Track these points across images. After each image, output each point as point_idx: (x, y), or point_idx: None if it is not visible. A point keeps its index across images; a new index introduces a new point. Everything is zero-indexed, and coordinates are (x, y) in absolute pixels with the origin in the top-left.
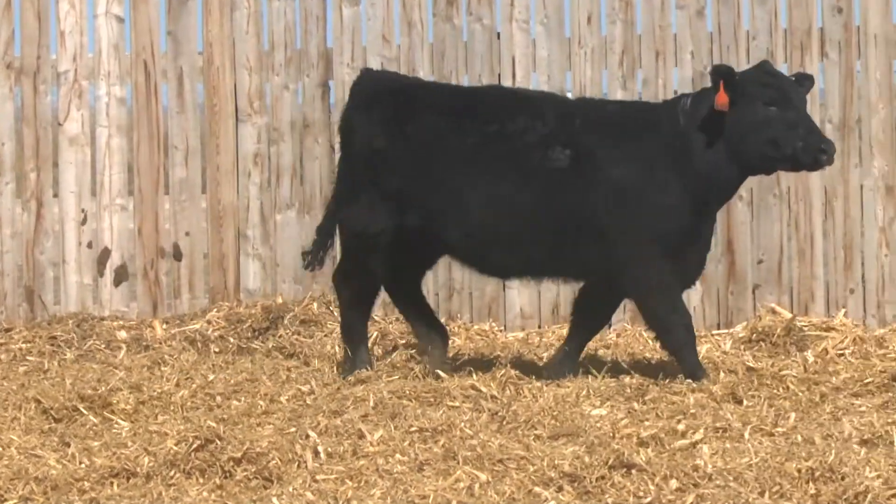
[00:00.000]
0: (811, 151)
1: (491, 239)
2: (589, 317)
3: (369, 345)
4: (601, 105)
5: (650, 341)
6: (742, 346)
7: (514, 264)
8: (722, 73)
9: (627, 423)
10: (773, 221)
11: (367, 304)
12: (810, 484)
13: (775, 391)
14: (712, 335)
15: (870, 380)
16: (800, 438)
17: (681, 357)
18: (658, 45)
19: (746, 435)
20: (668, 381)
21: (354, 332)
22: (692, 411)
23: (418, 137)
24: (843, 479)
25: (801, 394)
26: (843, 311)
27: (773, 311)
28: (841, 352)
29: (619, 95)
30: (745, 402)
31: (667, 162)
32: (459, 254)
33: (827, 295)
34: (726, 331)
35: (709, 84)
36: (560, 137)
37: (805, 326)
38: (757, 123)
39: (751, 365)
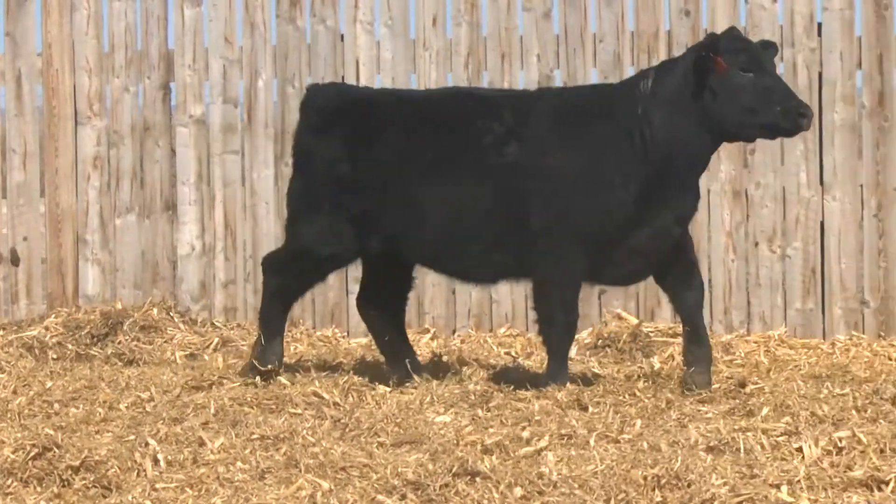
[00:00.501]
0: (791, 116)
1: (460, 250)
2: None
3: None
4: (558, 93)
5: (494, 347)
6: (588, 353)
7: (491, 271)
8: (707, 47)
9: (472, 431)
10: None
11: (292, 300)
12: (656, 491)
13: (621, 398)
14: None
15: (716, 386)
16: (646, 445)
17: (551, 354)
18: (504, 48)
19: (592, 442)
20: (512, 387)
21: (272, 322)
22: (537, 418)
23: (380, 155)
24: (689, 486)
25: (646, 400)
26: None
27: (619, 317)
28: None
29: None
30: (590, 409)
31: (614, 151)
32: (437, 267)
33: None
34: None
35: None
36: (515, 133)
37: (651, 332)
38: (735, 90)
39: (597, 371)
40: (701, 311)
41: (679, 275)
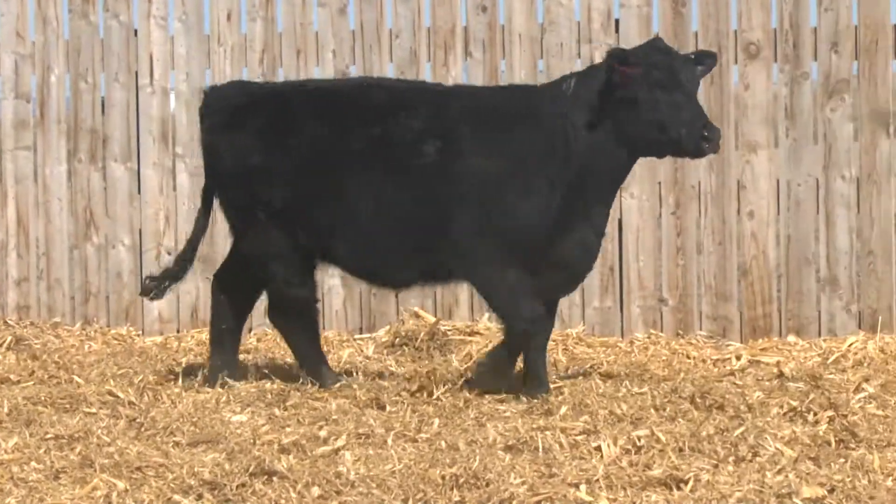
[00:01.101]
0: (694, 138)
1: (375, 249)
2: None
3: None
4: (475, 92)
5: None
6: (385, 351)
7: (403, 273)
8: (617, 58)
9: (268, 430)
10: None
11: (245, 313)
12: (454, 490)
13: (418, 396)
14: (355, 339)
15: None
16: (444, 444)
17: (526, 360)
18: (299, 44)
19: (390, 441)
20: (309, 386)
21: (225, 338)
22: (334, 417)
23: (295, 149)
24: (487, 485)
25: (444, 399)
26: (486, 315)
27: (417, 315)
28: None
29: None
30: (388, 408)
31: (538, 153)
32: (349, 268)
33: (471, 299)
34: (369, 335)
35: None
36: (431, 130)
37: (449, 331)
38: (641, 106)
39: (394, 370)
40: (545, 351)
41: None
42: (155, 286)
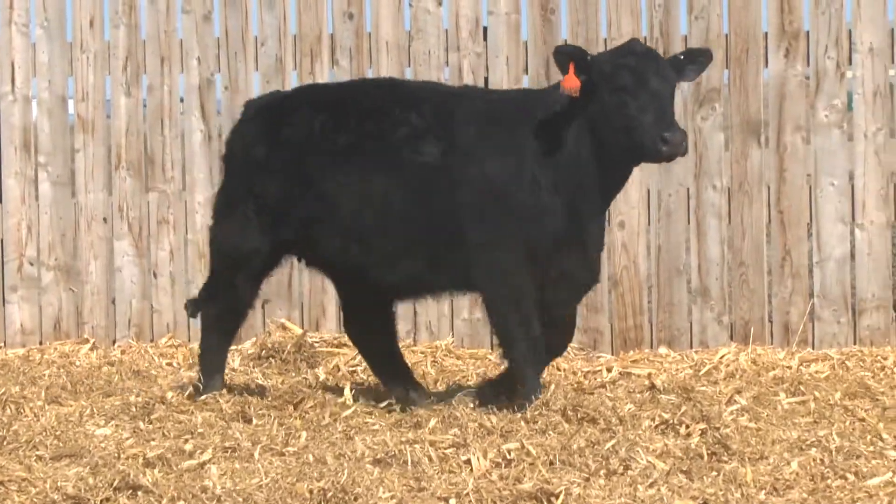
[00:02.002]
0: (651, 139)
1: (367, 250)
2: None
3: None
4: (483, 95)
5: (156, 358)
6: (252, 363)
7: (394, 278)
8: (568, 54)
9: (133, 443)
10: None
11: (230, 329)
12: None
13: (285, 410)
14: None
15: (383, 398)
16: (311, 458)
17: (519, 372)
18: (164, 51)
19: (256, 455)
20: (175, 399)
21: (210, 357)
22: (200, 431)
23: (293, 142)
24: (355, 499)
25: (311, 412)
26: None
27: (284, 327)
28: (353, 368)
29: (122, 103)
30: (254, 421)
31: (539, 157)
32: (338, 269)
33: (338, 311)
34: (235, 347)
35: None
36: (435, 131)
37: (316, 342)
38: (609, 111)
39: (261, 382)
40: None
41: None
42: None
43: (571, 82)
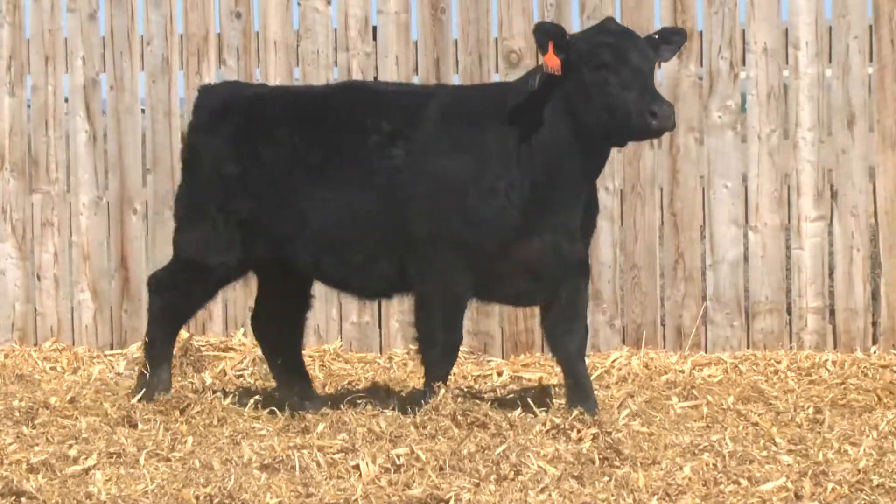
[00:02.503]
0: (639, 114)
1: (342, 256)
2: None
3: None
4: (453, 91)
5: (39, 362)
6: (137, 367)
7: (371, 282)
8: (547, 32)
9: (16, 449)
10: (168, 236)
11: (179, 322)
12: None
13: (171, 415)
14: (106, 356)
15: (270, 401)
16: (198, 463)
17: (428, 378)
18: (48, 50)
19: (142, 460)
20: (59, 404)
21: (158, 348)
22: (85, 436)
23: (266, 154)
24: None
25: (198, 417)
26: (242, 330)
27: None
28: (240, 373)
29: (6, 103)
30: (140, 426)
31: (501, 154)
32: (321, 277)
33: (225, 314)
34: (120, 351)
35: None
36: (401, 132)
37: (203, 346)
38: (590, 90)
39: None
40: (583, 359)
41: (562, 316)
42: None
43: (553, 60)
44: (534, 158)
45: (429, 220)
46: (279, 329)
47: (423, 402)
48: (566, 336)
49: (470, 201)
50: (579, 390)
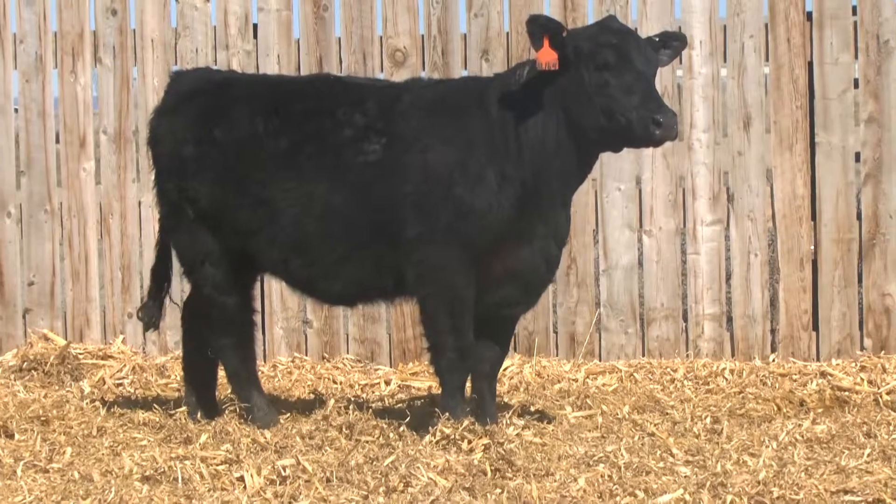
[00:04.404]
0: (643, 122)
1: (310, 255)
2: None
3: None
4: (428, 85)
5: None
6: (13, 376)
7: (338, 284)
8: (542, 25)
9: None
10: (44, 240)
11: (243, 338)
12: None
13: (49, 425)
14: None
15: (151, 411)
16: (77, 475)
17: (442, 382)
18: None
19: (19, 472)
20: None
21: (243, 377)
22: None
23: (227, 141)
24: None
25: (76, 427)
26: (121, 337)
27: (46, 338)
28: (119, 381)
29: None
30: (17, 437)
31: (487, 147)
32: (283, 277)
33: (104, 320)
34: None
35: None
36: (377, 126)
37: (81, 354)
38: (589, 91)
39: (23, 396)
40: (495, 375)
41: (490, 329)
42: (147, 317)
43: (548, 56)
44: (522, 156)
45: (419, 216)
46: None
47: (447, 415)
48: (487, 349)
49: (460, 192)
50: (484, 405)
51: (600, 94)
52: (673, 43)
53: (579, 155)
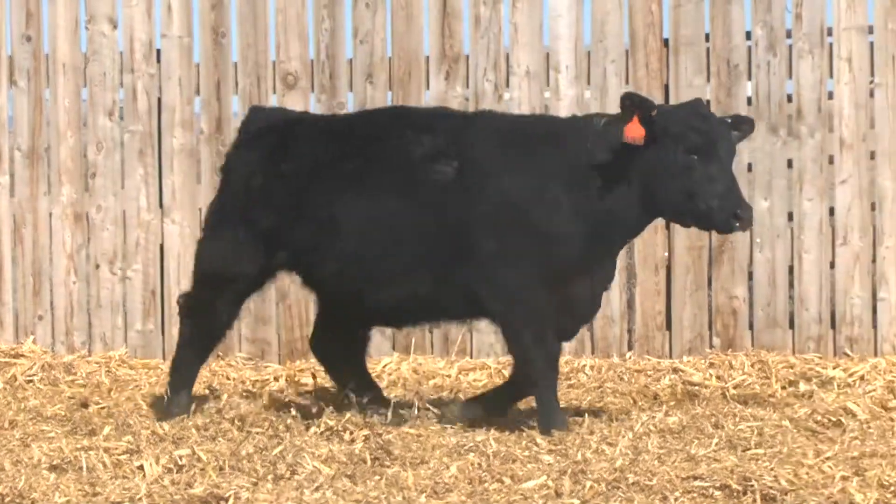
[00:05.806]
0: (725, 215)
1: (369, 272)
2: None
3: None
4: (501, 116)
5: None
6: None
7: (396, 301)
8: (636, 104)
9: None
10: None
11: (205, 347)
12: None
13: None
14: None
15: (59, 405)
16: None
17: (537, 395)
18: None
19: None
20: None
21: (181, 373)
22: None
23: (295, 168)
24: (33, 503)
25: None
26: (31, 337)
27: None
28: (30, 378)
29: None
30: None
31: (563, 181)
32: (338, 293)
33: (16, 321)
34: None
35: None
36: (448, 151)
37: None
38: (673, 170)
39: None
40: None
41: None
42: None
43: (636, 132)
44: (593, 201)
45: (497, 235)
46: (341, 345)
47: (546, 424)
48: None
49: (537, 217)
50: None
51: (684, 177)
52: (743, 126)
53: (642, 219)
